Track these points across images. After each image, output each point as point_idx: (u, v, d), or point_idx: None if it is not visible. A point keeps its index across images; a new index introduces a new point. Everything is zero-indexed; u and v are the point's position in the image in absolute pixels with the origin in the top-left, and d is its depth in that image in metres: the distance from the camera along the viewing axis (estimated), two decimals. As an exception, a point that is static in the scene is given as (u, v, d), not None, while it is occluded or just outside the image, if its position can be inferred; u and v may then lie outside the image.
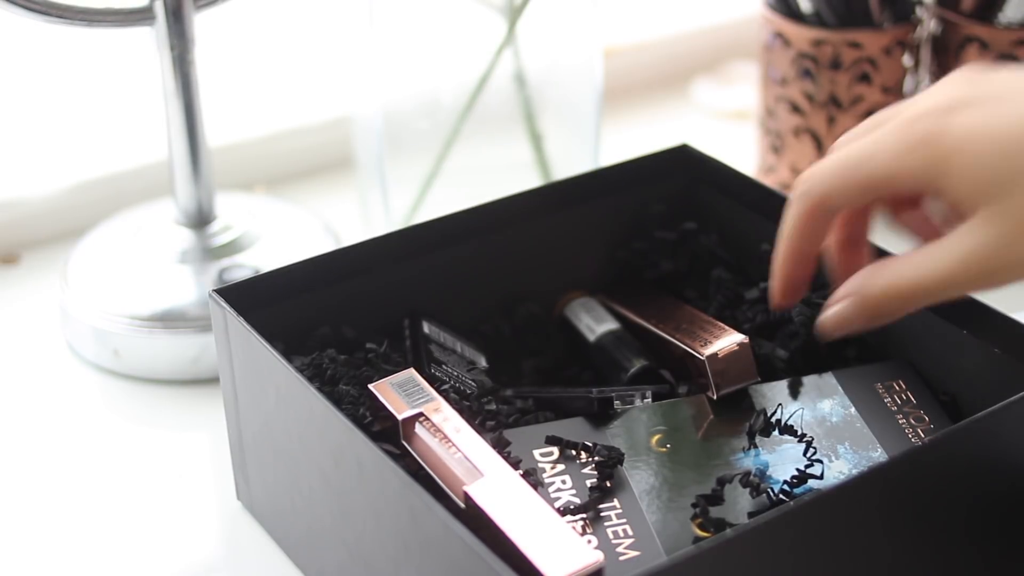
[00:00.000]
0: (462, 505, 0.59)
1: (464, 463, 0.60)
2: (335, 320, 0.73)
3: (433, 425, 0.62)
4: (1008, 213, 0.53)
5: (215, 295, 0.68)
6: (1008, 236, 0.54)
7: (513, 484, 0.58)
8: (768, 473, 0.64)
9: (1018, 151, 0.53)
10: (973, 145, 0.54)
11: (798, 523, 0.56)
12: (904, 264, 0.57)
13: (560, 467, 0.65)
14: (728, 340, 0.68)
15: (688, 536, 0.61)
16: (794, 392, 0.69)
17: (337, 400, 0.66)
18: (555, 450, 0.66)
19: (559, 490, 0.64)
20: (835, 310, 0.59)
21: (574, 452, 0.65)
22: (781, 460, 0.65)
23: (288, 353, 0.70)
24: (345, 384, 0.67)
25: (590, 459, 0.65)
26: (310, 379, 0.66)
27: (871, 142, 0.56)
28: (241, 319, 0.66)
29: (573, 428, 0.67)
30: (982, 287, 0.56)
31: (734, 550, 0.54)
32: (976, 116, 0.54)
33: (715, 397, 0.68)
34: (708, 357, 0.68)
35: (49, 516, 0.74)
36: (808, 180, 0.58)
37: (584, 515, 0.62)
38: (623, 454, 0.64)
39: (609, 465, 0.64)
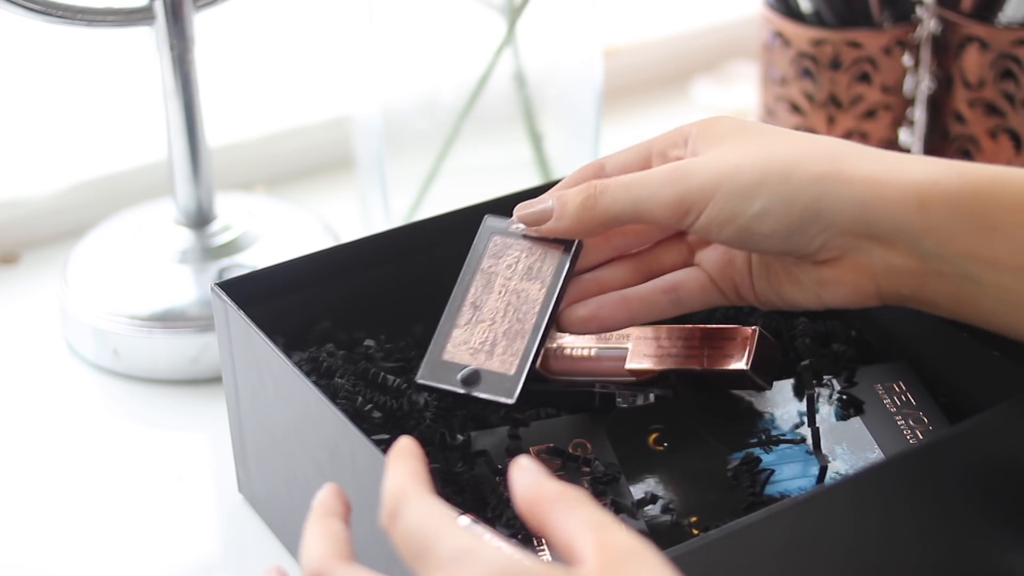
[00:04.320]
0: None
1: None
2: (337, 315, 0.73)
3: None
4: None
5: (217, 288, 0.68)
6: None
7: None
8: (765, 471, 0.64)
9: None
10: None
11: (792, 522, 0.56)
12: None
13: (556, 463, 0.65)
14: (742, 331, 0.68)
15: (683, 535, 0.61)
16: (798, 393, 0.69)
17: (333, 393, 0.66)
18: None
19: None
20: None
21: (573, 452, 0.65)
22: (779, 460, 0.65)
23: (289, 347, 0.70)
24: (340, 377, 0.67)
25: (587, 470, 0.64)
26: (307, 373, 0.67)
27: None
28: (242, 312, 0.66)
29: (574, 424, 0.67)
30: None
31: (728, 545, 0.54)
32: None
33: (748, 368, 0.66)
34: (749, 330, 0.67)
35: (50, 515, 0.74)
36: None
37: None
38: (620, 471, 0.64)
39: (604, 481, 0.63)
